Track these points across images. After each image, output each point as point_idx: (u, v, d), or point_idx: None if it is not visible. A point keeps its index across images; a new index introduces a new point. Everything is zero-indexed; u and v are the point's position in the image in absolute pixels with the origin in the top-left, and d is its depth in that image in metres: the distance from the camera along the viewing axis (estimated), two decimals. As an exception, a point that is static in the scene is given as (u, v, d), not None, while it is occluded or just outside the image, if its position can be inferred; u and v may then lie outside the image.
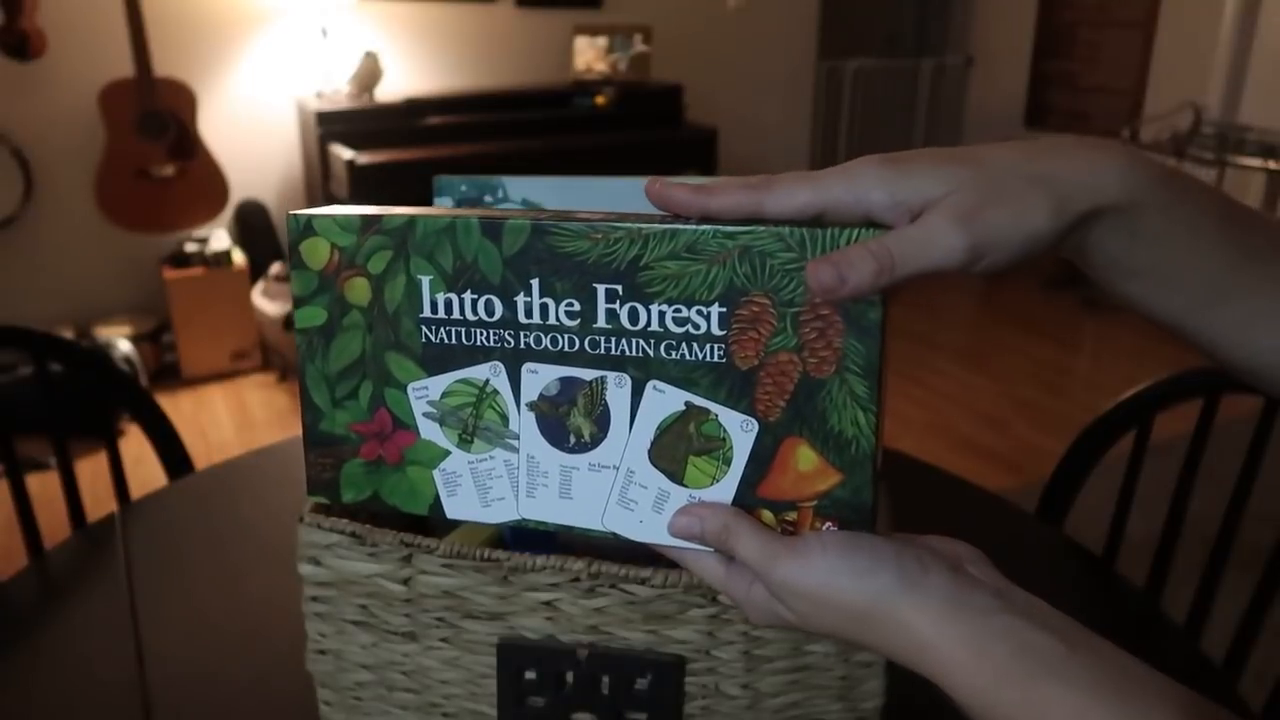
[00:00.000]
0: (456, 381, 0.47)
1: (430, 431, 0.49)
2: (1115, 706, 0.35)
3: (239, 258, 3.21)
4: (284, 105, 3.39)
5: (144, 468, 1.56)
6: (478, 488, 0.49)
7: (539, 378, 0.46)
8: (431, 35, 3.59)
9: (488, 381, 0.47)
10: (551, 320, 0.45)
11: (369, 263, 0.47)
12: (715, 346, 0.44)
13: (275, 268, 3.26)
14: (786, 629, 0.47)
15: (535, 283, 0.45)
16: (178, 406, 2.98)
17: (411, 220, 0.46)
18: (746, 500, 0.45)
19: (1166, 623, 0.89)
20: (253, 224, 3.40)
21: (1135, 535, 1.16)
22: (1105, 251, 0.40)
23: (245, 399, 3.08)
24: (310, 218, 0.47)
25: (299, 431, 0.53)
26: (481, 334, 0.46)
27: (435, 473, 0.49)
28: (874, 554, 0.41)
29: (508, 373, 0.47)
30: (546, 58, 3.80)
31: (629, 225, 0.43)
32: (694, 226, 0.43)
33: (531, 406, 0.47)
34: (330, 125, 3.11)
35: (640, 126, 3.60)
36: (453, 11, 3.61)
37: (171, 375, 3.17)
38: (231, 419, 2.94)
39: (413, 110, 3.28)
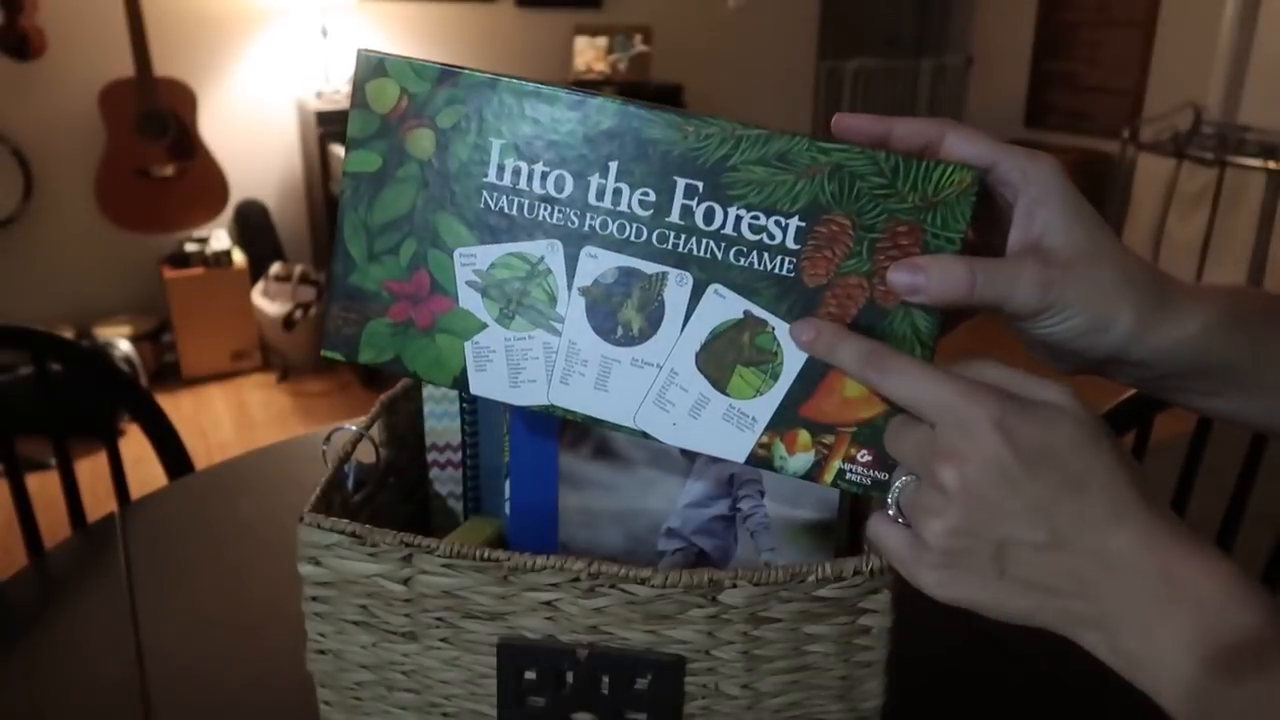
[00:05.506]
0: (509, 254, 0.46)
1: (470, 301, 0.47)
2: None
3: (239, 258, 3.21)
4: (284, 105, 3.39)
5: (144, 468, 1.56)
6: (510, 367, 0.47)
7: (598, 263, 0.45)
8: (431, 35, 3.59)
9: (543, 259, 0.45)
10: (623, 207, 0.44)
11: (439, 116, 0.45)
12: (786, 259, 0.43)
13: (275, 268, 3.26)
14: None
15: (614, 165, 0.44)
16: (178, 406, 2.98)
17: (494, 80, 0.44)
18: (787, 418, 0.45)
19: (1166, 623, 0.89)
20: (253, 224, 3.40)
21: (1135, 535, 1.16)
22: (1175, 381, 0.43)
23: (245, 399, 3.08)
24: (383, 57, 0.45)
25: (299, 431, 0.53)
26: (545, 209, 0.45)
27: (467, 344, 0.47)
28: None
29: (565, 253, 0.45)
30: (546, 58, 3.80)
31: (723, 122, 0.42)
32: (790, 135, 0.42)
33: (584, 292, 0.45)
34: (330, 125, 3.10)
35: (640, 126, 3.60)
36: (453, 11, 3.61)
37: (171, 375, 3.17)
38: (231, 419, 2.94)
39: (413, 110, 3.28)
